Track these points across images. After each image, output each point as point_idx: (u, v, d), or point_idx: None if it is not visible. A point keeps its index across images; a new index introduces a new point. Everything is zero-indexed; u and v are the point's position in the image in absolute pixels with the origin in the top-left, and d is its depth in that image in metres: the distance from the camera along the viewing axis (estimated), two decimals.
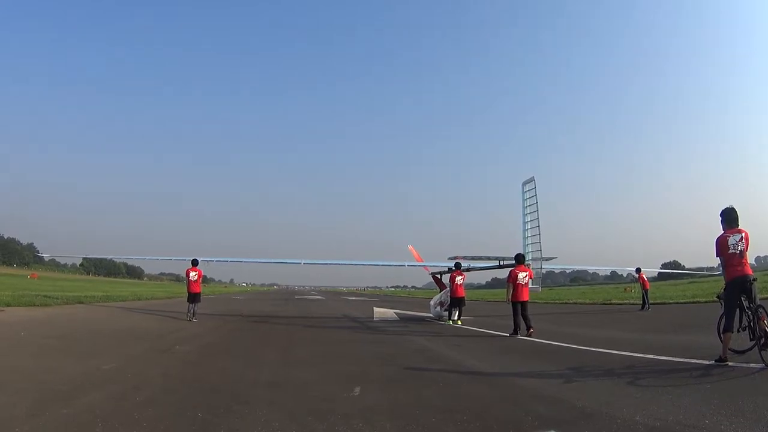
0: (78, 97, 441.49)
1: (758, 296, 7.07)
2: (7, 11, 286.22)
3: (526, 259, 16.27)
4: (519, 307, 12.62)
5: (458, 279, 17.34)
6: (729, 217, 7.44)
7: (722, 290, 7.50)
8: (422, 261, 24.81)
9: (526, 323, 12.37)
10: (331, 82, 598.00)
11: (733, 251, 7.18)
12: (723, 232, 7.42)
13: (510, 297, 12.85)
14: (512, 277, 12.95)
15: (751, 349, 7.00)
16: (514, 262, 13.67)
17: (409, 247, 26.38)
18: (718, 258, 7.48)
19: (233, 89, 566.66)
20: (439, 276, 21.87)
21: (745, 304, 7.01)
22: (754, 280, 7.11)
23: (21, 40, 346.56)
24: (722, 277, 7.51)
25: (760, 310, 6.80)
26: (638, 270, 23.82)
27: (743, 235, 7.21)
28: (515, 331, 12.31)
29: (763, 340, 6.65)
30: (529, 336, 11.88)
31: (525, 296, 12.87)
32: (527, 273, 13.19)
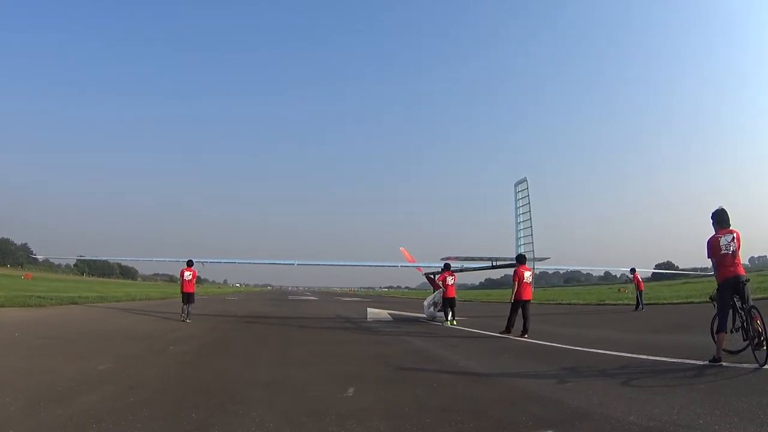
0: (75, 97, 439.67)
1: (751, 297, 7.11)
2: (5, 11, 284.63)
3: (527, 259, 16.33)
4: (519, 306, 12.65)
5: (449, 279, 17.41)
6: (720, 218, 7.48)
7: (715, 291, 7.54)
8: (415, 262, 24.86)
9: (524, 324, 12.33)
10: (328, 82, 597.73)
11: (725, 252, 7.22)
12: (714, 233, 7.47)
13: (514, 296, 12.88)
14: (518, 276, 12.96)
15: (744, 349, 7.04)
16: (513, 262, 13.83)
17: (401, 249, 26.47)
18: (709, 259, 7.52)
19: (229, 89, 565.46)
20: (432, 276, 21.91)
21: (738, 304, 7.05)
22: (747, 280, 7.14)
23: (19, 40, 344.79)
24: (715, 277, 7.56)
25: (753, 310, 6.84)
26: (633, 270, 23.92)
27: (735, 235, 7.25)
28: (507, 330, 12.38)
29: (756, 341, 6.70)
30: (522, 338, 11.88)
31: (529, 295, 12.93)
32: (531, 272, 13.29)
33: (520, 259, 13.63)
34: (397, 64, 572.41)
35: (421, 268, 23.71)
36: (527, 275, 12.97)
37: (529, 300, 12.91)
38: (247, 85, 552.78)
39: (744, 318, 6.94)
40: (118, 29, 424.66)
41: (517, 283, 12.92)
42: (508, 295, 13.31)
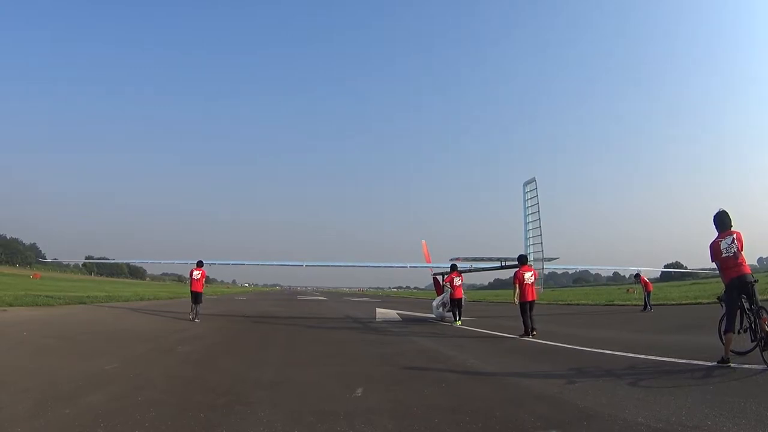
0: (79, 98, 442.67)
1: (758, 297, 7.04)
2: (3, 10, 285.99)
3: (528, 259, 16.27)
4: (527, 307, 12.64)
5: (456, 280, 17.45)
6: (721, 221, 7.44)
7: (723, 292, 7.50)
8: (430, 261, 24.74)
9: (530, 324, 12.37)
10: (338, 83, 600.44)
11: (728, 254, 7.17)
12: (717, 235, 7.42)
13: (518, 298, 12.87)
14: (518, 278, 12.97)
15: (752, 350, 6.99)
16: (516, 263, 13.72)
17: (423, 242, 26.34)
18: (713, 263, 7.48)
19: (239, 89, 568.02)
20: (441, 277, 21.82)
21: (746, 305, 7.00)
22: (756, 281, 7.07)
23: (22, 39, 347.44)
24: (721, 279, 7.50)
25: (762, 311, 6.78)
26: (637, 276, 23.67)
27: (735, 236, 7.20)
28: (526, 332, 12.29)
29: (764, 342, 6.64)
30: (531, 337, 11.90)
31: (532, 296, 12.89)
32: (533, 273, 13.21)
33: (522, 260, 13.62)
34: (402, 66, 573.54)
35: (432, 269, 23.62)
36: (527, 276, 12.94)
37: (533, 301, 12.89)
38: (254, 86, 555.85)
39: (752, 319, 6.89)
40: (118, 29, 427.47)
41: (518, 285, 12.93)
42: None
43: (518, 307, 12.89)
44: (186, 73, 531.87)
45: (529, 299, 12.74)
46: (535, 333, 12.11)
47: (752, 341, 6.93)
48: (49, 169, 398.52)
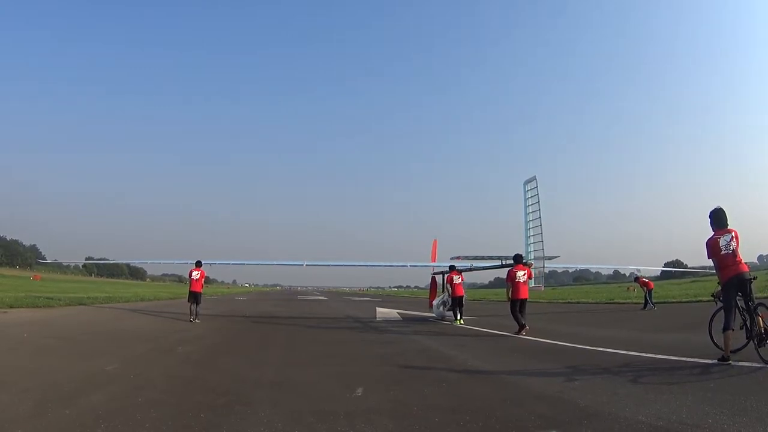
0: (81, 98, 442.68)
1: (755, 295, 7.05)
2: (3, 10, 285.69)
3: (529, 258, 16.31)
4: (518, 305, 12.81)
5: (456, 279, 17.49)
6: (718, 218, 7.47)
7: (718, 290, 7.53)
8: (435, 260, 24.70)
9: (522, 321, 12.58)
10: (339, 81, 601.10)
11: (726, 251, 7.19)
12: (713, 233, 7.43)
13: (510, 295, 13.07)
14: (510, 276, 13.24)
15: (745, 346, 7.06)
16: (512, 261, 13.87)
17: (434, 240, 26.35)
18: (710, 260, 7.49)
19: (237, 90, 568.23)
20: (438, 277, 21.77)
21: (741, 304, 7.02)
22: (754, 278, 7.10)
23: (22, 39, 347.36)
24: (718, 277, 7.51)
25: (761, 307, 6.81)
26: (636, 279, 23.88)
27: (733, 234, 7.24)
28: (520, 329, 12.44)
29: (758, 339, 6.68)
30: (524, 334, 12.08)
31: (524, 294, 13.09)
32: (525, 271, 13.46)
33: (516, 259, 13.86)
34: (402, 66, 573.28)
35: (433, 268, 23.57)
36: (520, 274, 13.17)
37: (525, 299, 13.14)
38: (254, 86, 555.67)
39: (747, 316, 6.92)
40: (117, 30, 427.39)
41: (510, 283, 13.17)
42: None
43: (510, 305, 13.12)
44: (186, 73, 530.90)
45: (521, 297, 12.96)
46: (526, 329, 12.32)
47: (746, 338, 6.98)
48: (49, 169, 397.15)
